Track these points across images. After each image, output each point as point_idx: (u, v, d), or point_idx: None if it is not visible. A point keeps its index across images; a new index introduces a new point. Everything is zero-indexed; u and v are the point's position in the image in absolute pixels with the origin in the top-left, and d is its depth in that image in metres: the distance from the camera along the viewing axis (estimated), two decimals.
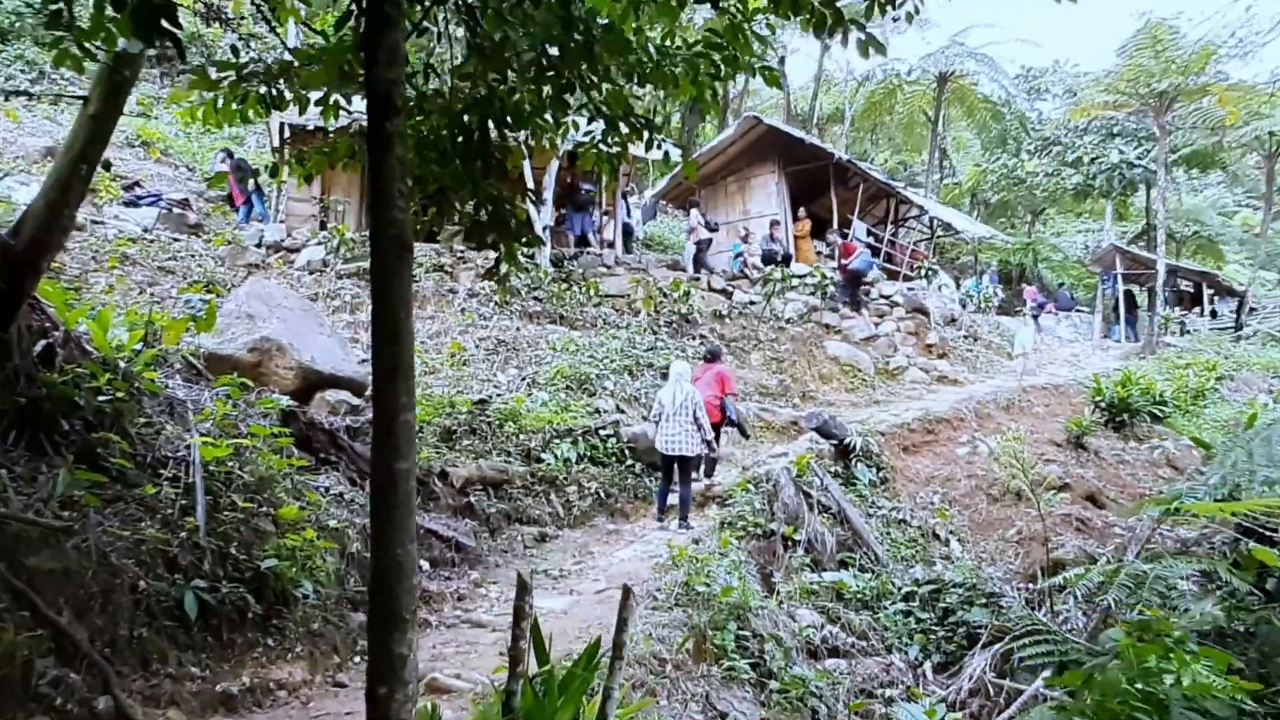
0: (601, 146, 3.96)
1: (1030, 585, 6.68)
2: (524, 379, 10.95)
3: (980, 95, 28.57)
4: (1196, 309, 25.31)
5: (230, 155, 15.14)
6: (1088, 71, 23.13)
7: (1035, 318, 21.71)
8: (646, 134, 3.74)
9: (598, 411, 10.23)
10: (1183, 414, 11.58)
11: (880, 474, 9.29)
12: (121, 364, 4.62)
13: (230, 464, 4.53)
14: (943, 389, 13.08)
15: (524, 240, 3.90)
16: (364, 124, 4.32)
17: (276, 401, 6.05)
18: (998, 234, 25.37)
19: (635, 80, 3.51)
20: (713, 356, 9.73)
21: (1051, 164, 26.77)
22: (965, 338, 15.87)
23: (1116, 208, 30.12)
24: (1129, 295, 23.42)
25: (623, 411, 10.56)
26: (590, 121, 3.75)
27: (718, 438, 9.32)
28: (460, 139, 3.50)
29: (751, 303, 14.31)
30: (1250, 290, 23.23)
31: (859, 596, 7.02)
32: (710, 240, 16.08)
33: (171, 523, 3.98)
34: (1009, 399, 11.22)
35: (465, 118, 3.45)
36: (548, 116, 3.68)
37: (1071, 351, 21.36)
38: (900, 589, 7.19)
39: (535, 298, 13.23)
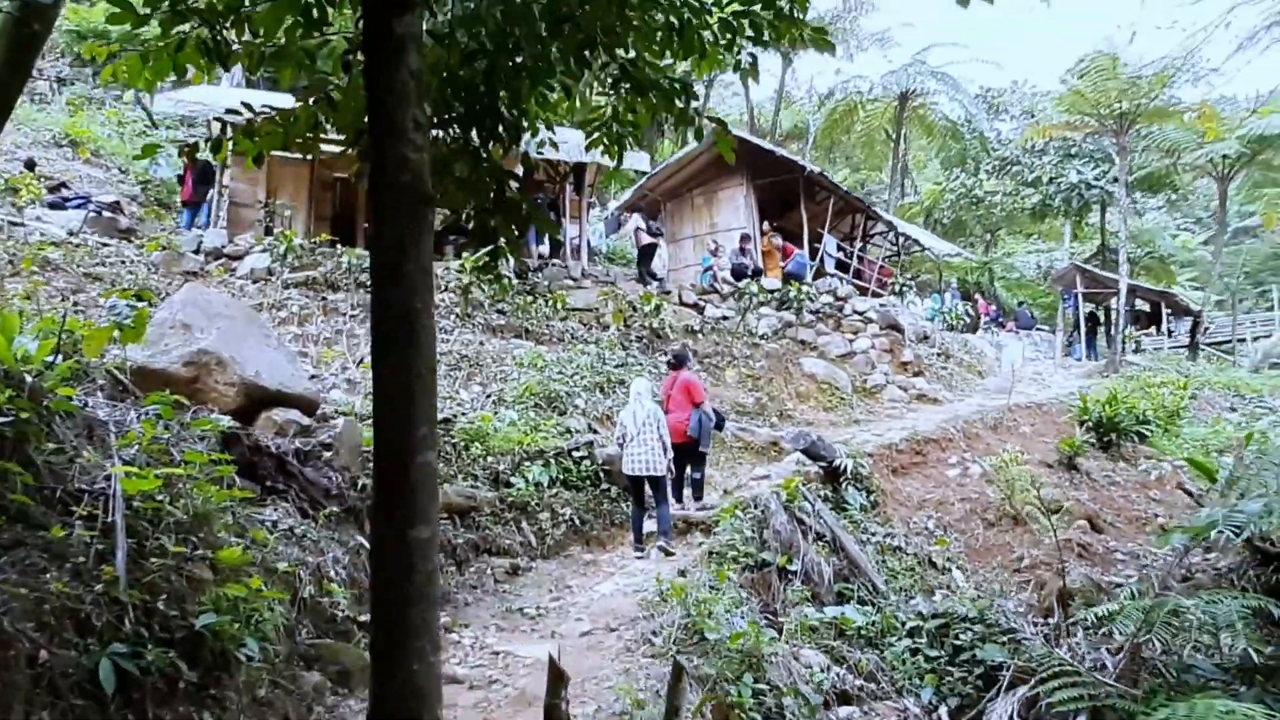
0: (615, 125, 3.40)
1: (1046, 619, 6.26)
2: (489, 396, 10.29)
3: (940, 114, 28.92)
4: (1152, 328, 25.81)
5: (196, 149, 14.19)
6: (1048, 91, 23.46)
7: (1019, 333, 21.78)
8: (680, 103, 3.19)
9: (569, 431, 9.61)
10: (1163, 433, 11.46)
11: (870, 497, 8.86)
12: (28, 379, 3.89)
13: (160, 498, 3.82)
14: (922, 408, 12.79)
15: (524, 231, 3.29)
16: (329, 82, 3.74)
17: (216, 422, 5.32)
18: (962, 251, 25.54)
19: (664, 41, 2.98)
20: (678, 362, 8.96)
21: (1011, 184, 27.12)
22: (938, 355, 15.68)
23: (1073, 228, 30.69)
24: (1091, 315, 23.71)
25: (595, 431, 9.97)
26: (613, 87, 3.20)
27: (700, 462, 8.77)
28: (463, 95, 2.90)
29: (724, 318, 13.88)
30: (1204, 310, 23.73)
31: (862, 633, 6.54)
32: (654, 246, 15.67)
33: (84, 573, 3.27)
34: (996, 418, 10.96)
35: (464, 72, 2.86)
36: (557, 81, 3.11)
37: (1035, 370, 21.47)
38: (904, 623, 6.73)
39: (499, 310, 12.58)
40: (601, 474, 9.00)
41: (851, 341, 14.18)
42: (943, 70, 26.47)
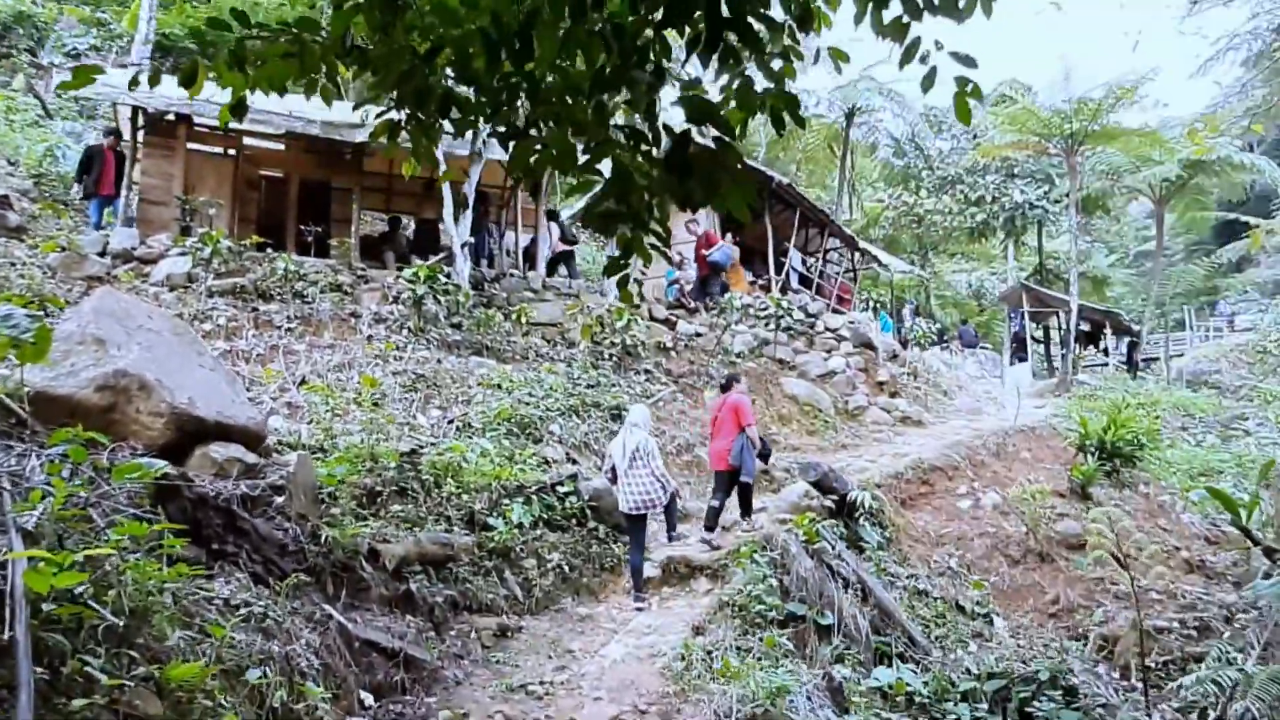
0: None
1: (1123, 678, 5.60)
2: (450, 421, 9.16)
3: (885, 132, 29.08)
4: (1091, 347, 26.37)
5: (119, 136, 12.50)
6: (993, 108, 23.73)
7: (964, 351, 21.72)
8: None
9: (547, 462, 8.60)
10: (1153, 457, 11.21)
11: (884, 533, 8.14)
12: None
13: (81, 591, 2.68)
14: (908, 431, 12.26)
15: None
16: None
17: (146, 468, 4.13)
18: (915, 270, 25.57)
19: None
20: (728, 383, 8.42)
21: (954, 203, 27.39)
22: (908, 374, 15.26)
23: (1013, 247, 31.30)
24: (1017, 335, 24.04)
25: (575, 461, 8.97)
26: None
27: (744, 493, 7.98)
28: None
29: (698, 334, 13.07)
30: (1143, 330, 24.33)
31: (915, 698, 5.74)
32: (572, 253, 14.90)
33: None
34: (997, 443, 10.47)
35: None
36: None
37: (984, 389, 21.48)
38: (956, 685, 5.96)
39: (454, 325, 11.44)
40: (588, 511, 8.02)
41: (825, 359, 13.58)
42: (890, 86, 26.56)
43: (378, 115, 2.86)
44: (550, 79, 2.31)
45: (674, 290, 14.95)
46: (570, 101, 2.31)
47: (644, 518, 7.40)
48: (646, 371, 11.79)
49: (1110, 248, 36.14)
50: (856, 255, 21.17)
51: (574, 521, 7.90)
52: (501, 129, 2.53)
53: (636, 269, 13.36)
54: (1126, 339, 24.78)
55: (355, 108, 3.51)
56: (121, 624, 2.73)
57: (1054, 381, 22.36)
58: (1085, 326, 26.65)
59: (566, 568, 7.42)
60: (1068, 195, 27.27)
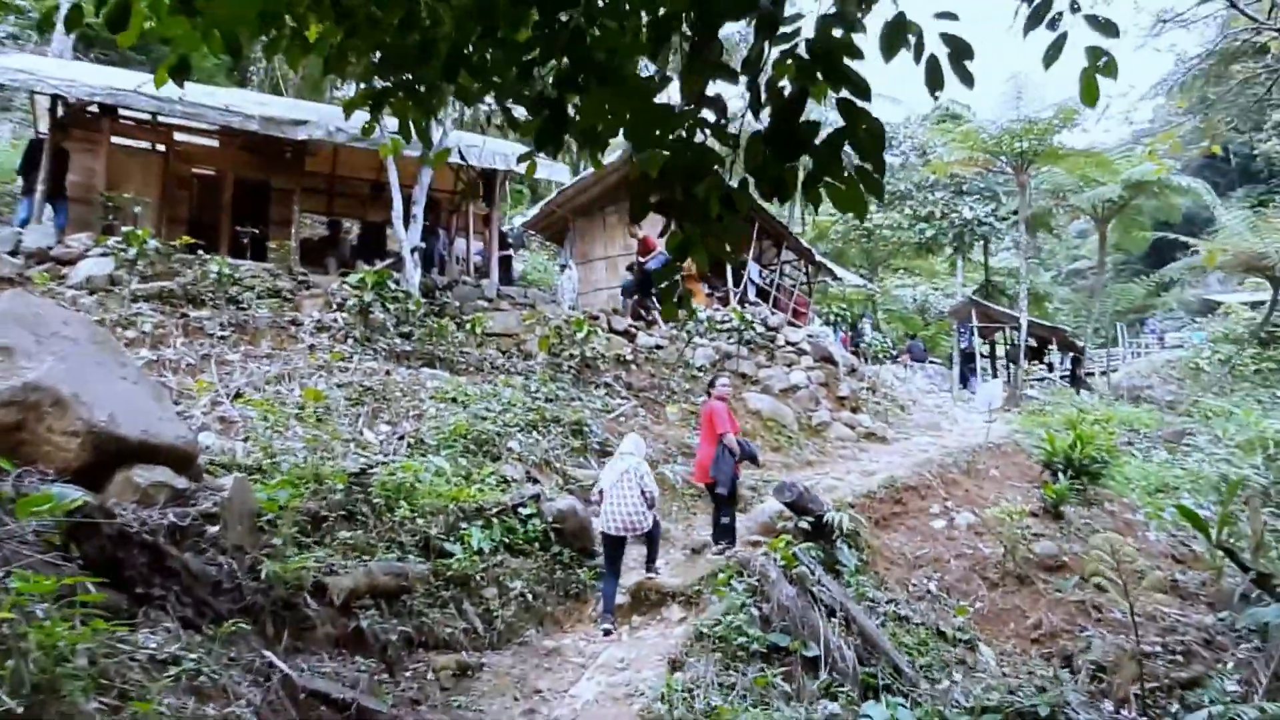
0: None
1: (1120, 710, 5.40)
2: (400, 437, 8.60)
3: None
4: (1035, 362, 26.91)
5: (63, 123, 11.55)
6: (942, 121, 24.10)
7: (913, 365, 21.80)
8: None
9: (507, 481, 8.10)
10: (1114, 474, 11.26)
11: (861, 556, 7.88)
12: None
13: None
14: (872, 447, 12.09)
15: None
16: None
17: (57, 499, 3.55)
18: (867, 284, 25.74)
19: None
20: (711, 386, 8.22)
21: (902, 218, 27.74)
22: (867, 389, 15.18)
23: (958, 263, 31.86)
24: (991, 347, 24.40)
25: (536, 480, 8.49)
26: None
27: (722, 505, 7.63)
28: None
29: (658, 347, 12.71)
30: (1086, 346, 24.93)
31: None
32: (509, 259, 14.66)
33: None
34: (968, 461, 10.35)
35: None
36: None
37: (935, 404, 21.66)
38: None
39: (404, 334, 10.85)
40: (551, 534, 7.55)
41: (788, 375, 13.36)
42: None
43: (362, 92, 2.38)
44: (600, 26, 1.90)
45: (632, 301, 14.59)
46: (625, 57, 1.91)
47: (624, 541, 6.99)
48: (606, 385, 11.38)
49: (1044, 265, 37.17)
50: (811, 268, 21.14)
51: (537, 546, 7.43)
52: (524, 96, 2.10)
53: (574, 280, 12.87)
54: (1070, 354, 25.35)
55: (330, 77, 3.03)
56: (20, 708, 2.19)
57: (1003, 396, 22.67)
58: (1032, 342, 27.26)
59: (530, 596, 6.94)
60: (1014, 213, 27.99)
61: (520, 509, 7.48)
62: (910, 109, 28.19)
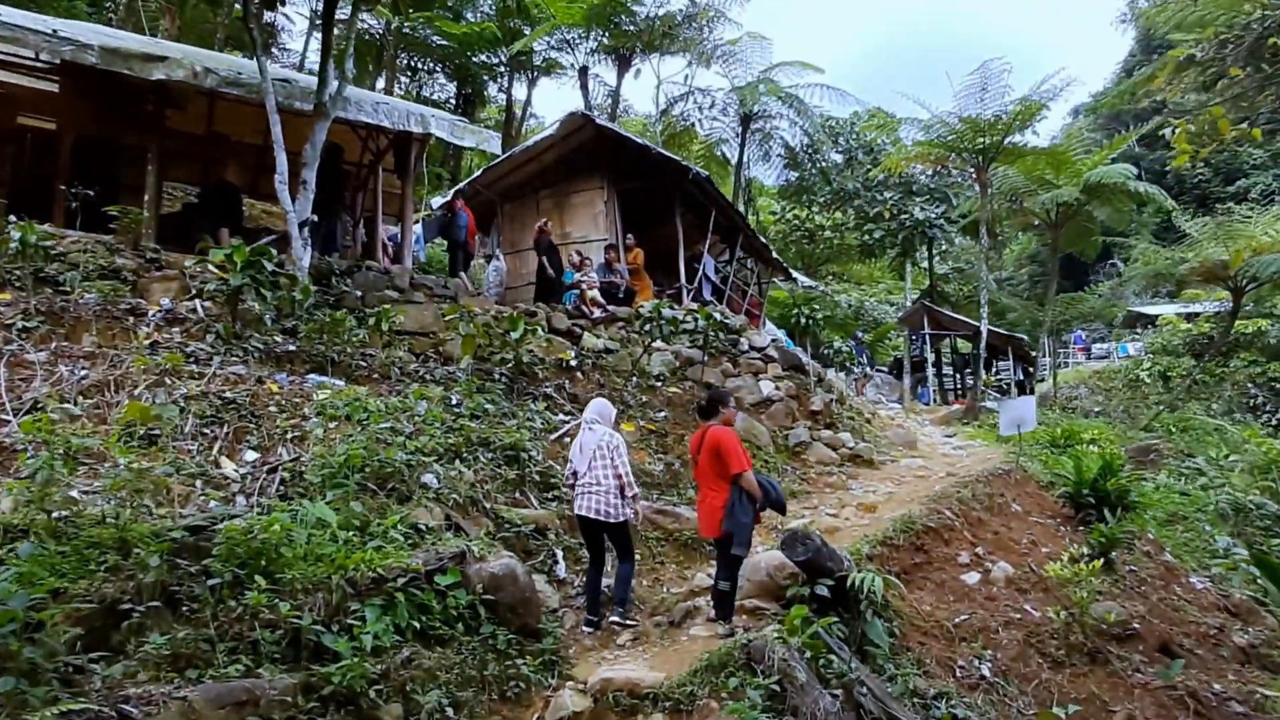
0: None
1: None
2: (271, 470, 6.37)
3: (780, 140, 27.97)
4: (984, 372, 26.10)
5: None
6: (891, 114, 22.96)
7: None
8: None
9: (419, 533, 5.97)
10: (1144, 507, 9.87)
11: (891, 628, 6.08)
12: None
13: None
14: (861, 473, 10.39)
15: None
16: None
17: None
18: (819, 285, 24.34)
19: None
20: (708, 407, 6.34)
21: (848, 218, 26.55)
22: (837, 402, 13.54)
23: (897, 267, 30.95)
24: (897, 360, 23.30)
25: (460, 529, 6.37)
26: None
27: (725, 568, 5.90)
28: None
29: (607, 351, 10.71)
30: (1037, 355, 24.16)
31: None
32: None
33: None
34: (987, 493, 8.72)
35: None
36: None
37: (889, 416, 20.35)
38: None
39: (288, 330, 8.55)
40: (481, 609, 5.47)
41: (758, 384, 11.56)
42: (791, 91, 25.36)
43: None
44: None
45: (571, 297, 12.57)
46: None
47: (601, 528, 6.14)
48: (547, 396, 9.32)
49: (992, 271, 36.87)
50: (763, 267, 19.53)
51: (461, 629, 5.34)
52: None
53: (501, 272, 10.83)
54: (1021, 364, 24.57)
55: None
56: None
57: (959, 408, 21.58)
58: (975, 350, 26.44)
59: (452, 710, 4.83)
60: (964, 216, 27.15)
61: (437, 576, 5.37)
62: (860, 104, 26.97)
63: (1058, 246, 24.00)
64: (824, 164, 28.31)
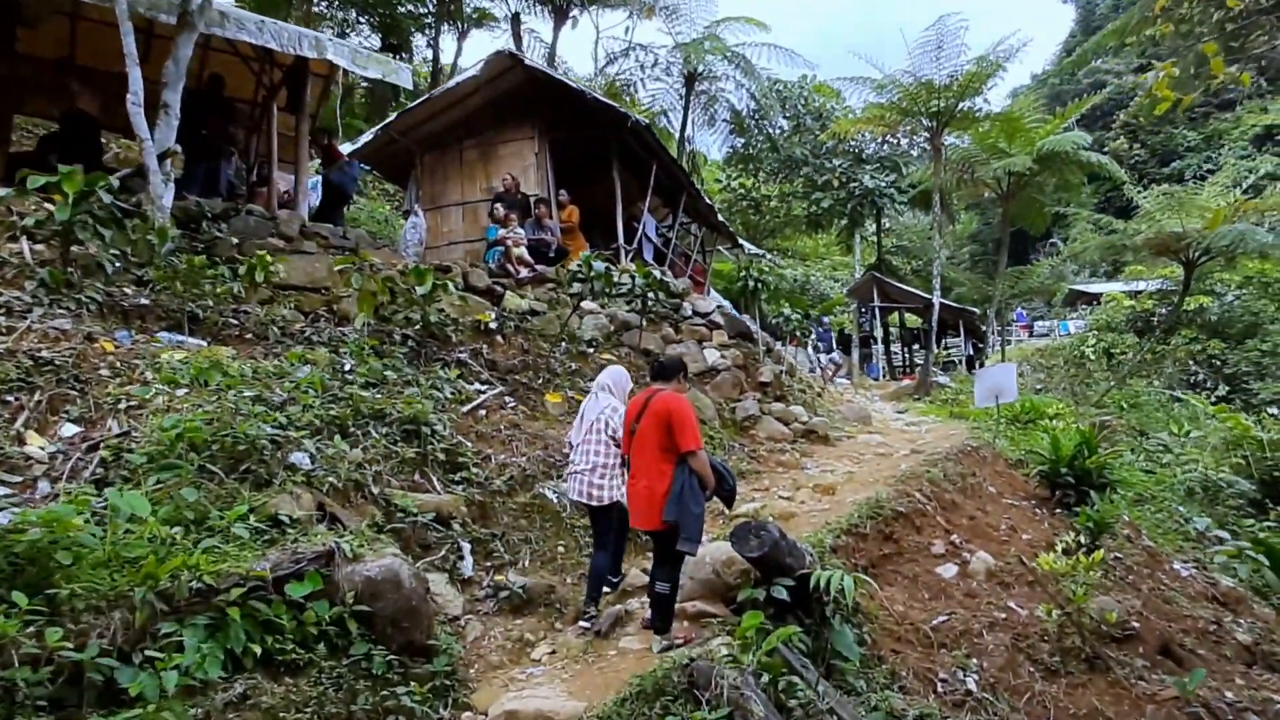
0: None
1: None
2: (95, 447, 5.07)
3: (726, 104, 26.92)
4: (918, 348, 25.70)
5: None
6: (839, 76, 22.13)
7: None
8: None
9: (281, 526, 4.75)
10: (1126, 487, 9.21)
11: (861, 633, 5.13)
12: None
13: None
14: (816, 450, 9.48)
15: None
16: None
17: None
18: (767, 255, 23.44)
19: None
20: (660, 372, 5.28)
21: (800, 187, 25.70)
22: (786, 373, 12.62)
23: (845, 239, 30.33)
24: (842, 334, 22.68)
25: (336, 521, 5.16)
26: None
27: (665, 566, 4.96)
28: None
29: (533, 313, 9.52)
30: (988, 330, 23.78)
31: None
32: (344, 197, 11.38)
33: None
34: (960, 473, 7.86)
35: None
36: None
37: (838, 391, 19.64)
38: None
39: (139, 279, 7.16)
40: (352, 625, 4.31)
41: (702, 352, 10.54)
42: (737, 50, 24.27)
43: None
44: None
45: (495, 254, 11.33)
46: None
47: (588, 509, 5.65)
48: (460, 363, 8.12)
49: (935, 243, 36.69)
50: (707, 232, 18.50)
51: (323, 649, 4.18)
52: None
53: (420, 230, 9.47)
54: (971, 340, 24.18)
55: None
56: None
57: (909, 384, 21.04)
58: (926, 325, 25.99)
59: None
60: (913, 186, 26.58)
61: (292, 584, 4.19)
62: (809, 68, 26.07)
63: (1009, 218, 23.61)
64: (771, 130, 27.37)
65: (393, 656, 4.40)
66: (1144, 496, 10.25)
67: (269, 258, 7.67)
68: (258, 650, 3.92)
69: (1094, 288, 39.24)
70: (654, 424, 4.85)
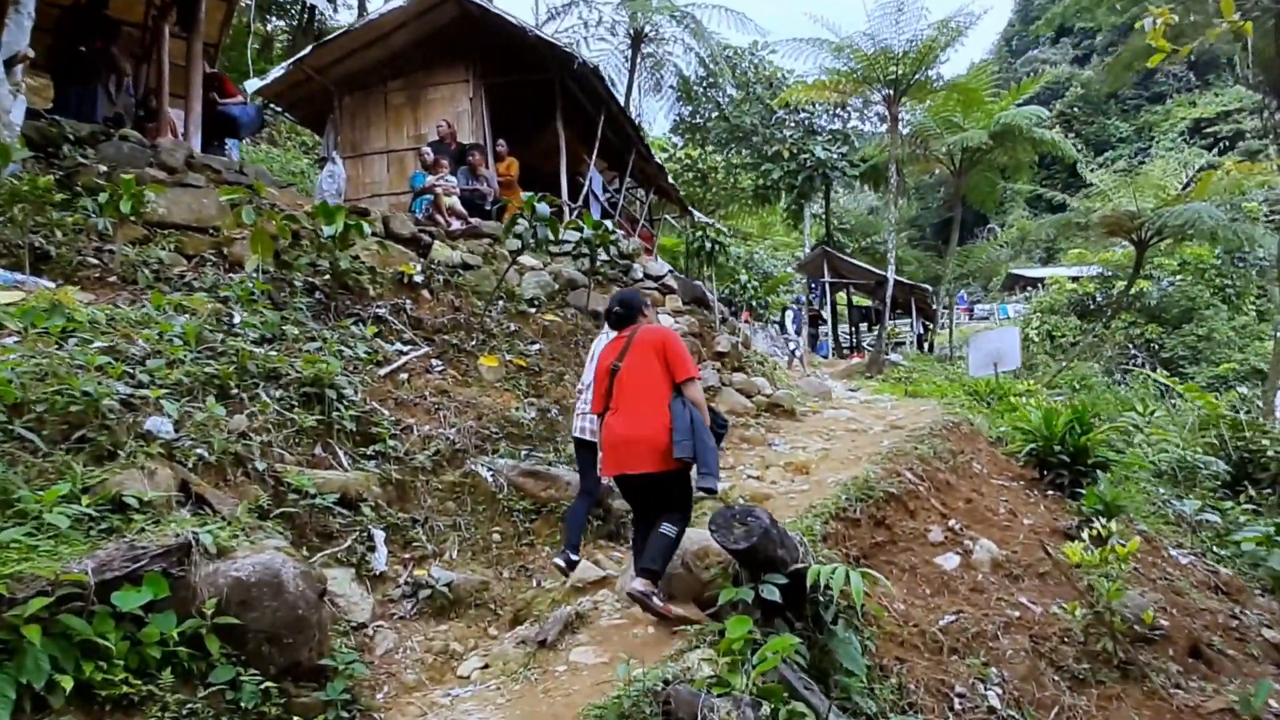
0: None
1: None
2: None
3: (674, 69, 25.88)
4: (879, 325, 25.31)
5: None
6: (795, 37, 21.25)
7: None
8: None
9: (127, 513, 3.61)
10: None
11: (862, 639, 4.28)
12: None
13: None
14: (782, 424, 8.64)
15: None
16: None
17: None
18: (716, 223, 22.53)
19: None
20: (626, 313, 4.65)
21: (748, 158, 24.88)
22: (742, 344, 11.78)
23: (793, 215, 29.70)
24: (833, 307, 22.06)
25: (203, 505, 4.04)
26: None
27: (675, 509, 4.32)
28: None
29: (466, 266, 8.41)
30: (939, 309, 23.45)
31: None
32: (236, 126, 9.90)
33: None
34: (950, 451, 7.10)
35: None
36: None
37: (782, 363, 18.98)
38: None
39: None
40: (215, 640, 3.23)
41: (657, 317, 9.59)
42: (687, 9, 23.21)
43: None
44: None
45: (422, 204, 10.14)
46: None
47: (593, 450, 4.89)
48: (379, 319, 6.98)
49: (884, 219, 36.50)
50: (656, 200, 17.52)
51: (171, 676, 3.10)
52: None
53: (339, 178, 8.28)
54: (922, 319, 23.84)
55: None
56: None
57: (859, 361, 20.53)
58: (877, 304, 25.57)
59: None
60: (864, 160, 26.03)
61: (124, 591, 3.08)
62: (760, 32, 25.22)
63: (960, 194, 23.26)
64: (720, 99, 26.45)
65: (270, 683, 3.33)
66: (1121, 478, 9.72)
67: (141, 188, 6.38)
68: (68, 684, 2.82)
69: (1033, 272, 39.74)
70: (646, 356, 4.23)
